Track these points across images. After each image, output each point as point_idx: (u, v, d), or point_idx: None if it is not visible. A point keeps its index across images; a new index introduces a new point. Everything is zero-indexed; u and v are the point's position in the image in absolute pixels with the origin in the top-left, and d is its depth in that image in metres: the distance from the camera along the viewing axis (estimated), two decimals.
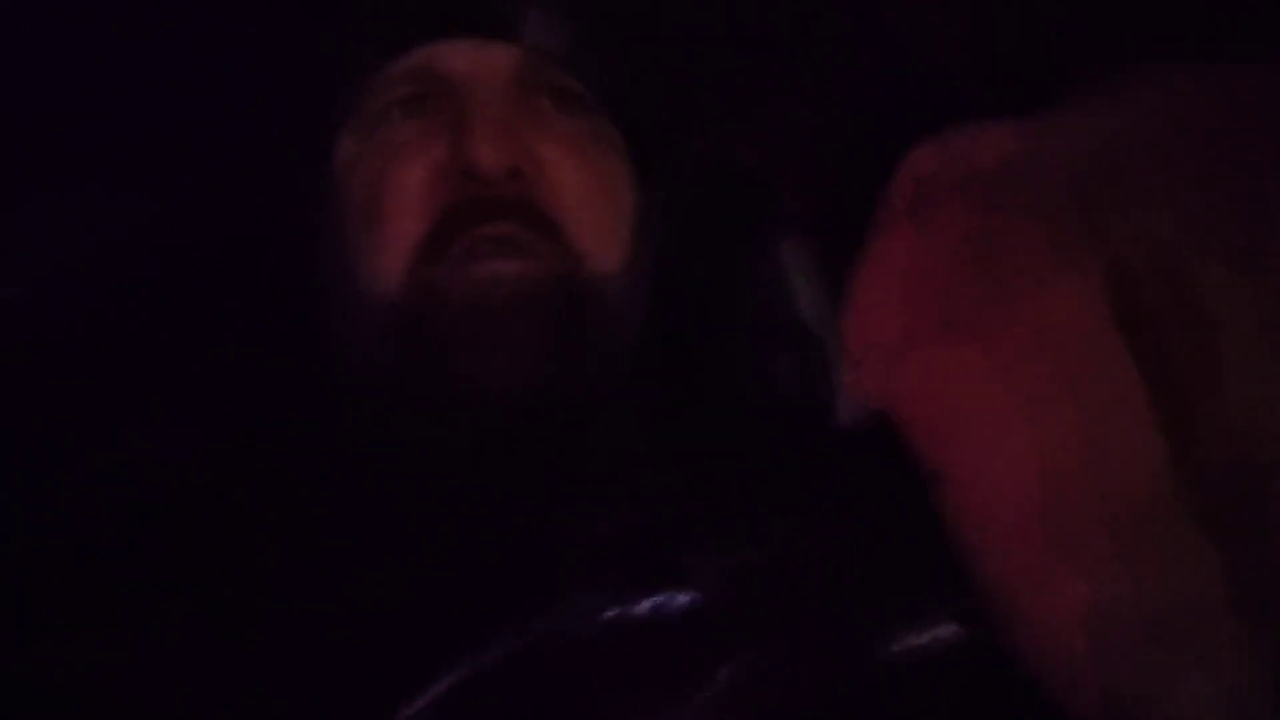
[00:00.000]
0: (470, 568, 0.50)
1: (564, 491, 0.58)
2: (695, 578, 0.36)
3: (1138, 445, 0.33)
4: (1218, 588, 0.32)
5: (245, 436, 0.62)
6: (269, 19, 0.71)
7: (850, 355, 0.38)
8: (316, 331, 0.65)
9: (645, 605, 0.36)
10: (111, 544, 0.55)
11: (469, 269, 0.60)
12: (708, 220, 0.74)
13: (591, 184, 0.64)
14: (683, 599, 0.36)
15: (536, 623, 0.37)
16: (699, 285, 0.74)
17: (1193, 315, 0.33)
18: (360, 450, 0.61)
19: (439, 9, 0.64)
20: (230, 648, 0.52)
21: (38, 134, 0.73)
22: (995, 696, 0.34)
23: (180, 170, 0.74)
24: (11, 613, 0.53)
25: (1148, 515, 0.32)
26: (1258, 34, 0.39)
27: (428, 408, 0.60)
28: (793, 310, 0.76)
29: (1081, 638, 0.32)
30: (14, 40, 0.74)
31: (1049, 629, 0.33)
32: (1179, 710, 0.32)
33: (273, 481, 0.59)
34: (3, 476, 0.61)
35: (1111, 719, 0.32)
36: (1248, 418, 0.33)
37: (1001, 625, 0.33)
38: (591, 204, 0.63)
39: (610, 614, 0.36)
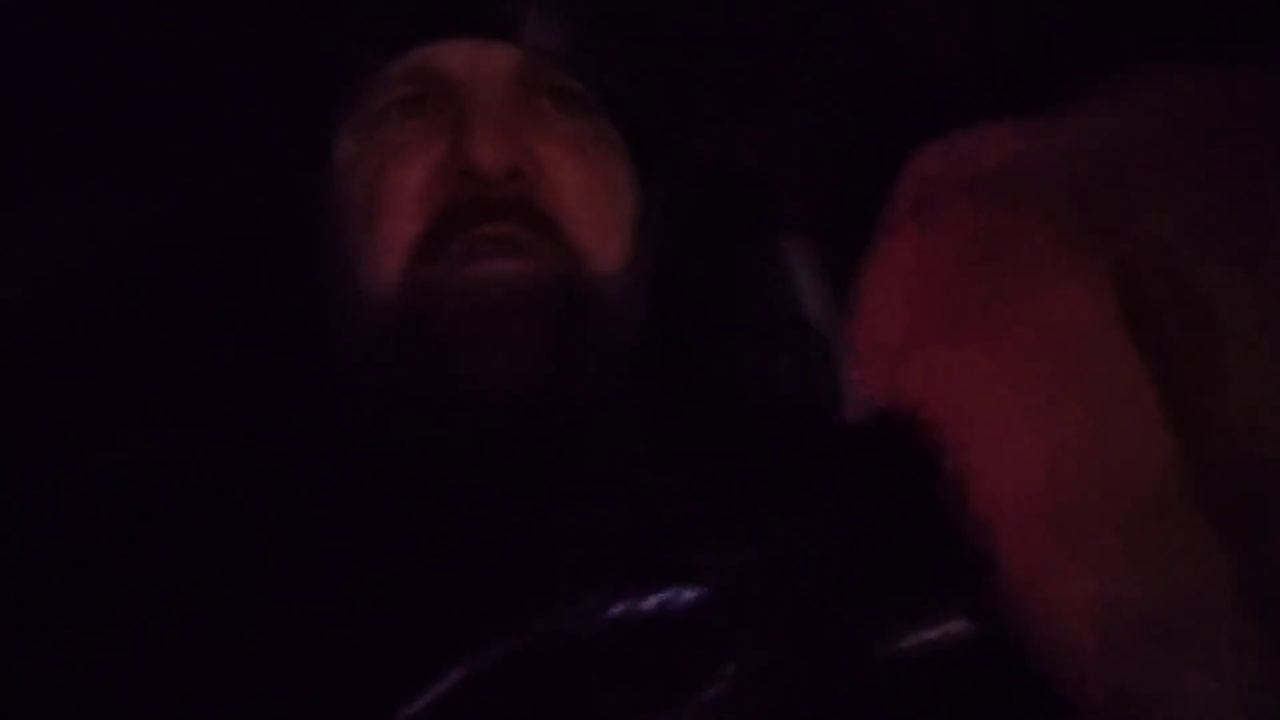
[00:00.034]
0: (471, 567, 0.50)
1: (564, 491, 0.58)
2: (696, 577, 0.36)
3: (1145, 443, 0.33)
4: (1225, 586, 0.32)
5: (245, 436, 0.62)
6: (269, 19, 0.70)
7: (855, 355, 0.39)
8: (316, 331, 0.65)
9: (646, 605, 0.36)
10: (112, 544, 0.55)
11: (468, 268, 0.60)
12: (708, 220, 0.74)
13: (591, 184, 0.63)
14: (684, 598, 0.36)
15: (538, 622, 0.37)
16: (699, 285, 0.74)
17: (1194, 315, 0.34)
18: (360, 450, 0.61)
19: (438, 9, 0.64)
20: (230, 648, 0.52)
21: (38, 134, 0.73)
22: (1002, 693, 0.34)
23: (180, 170, 0.74)
24: (11, 613, 0.53)
25: (1154, 513, 0.33)
26: (1258, 35, 0.39)
27: (428, 408, 0.60)
28: (793, 310, 0.76)
29: (1089, 635, 0.32)
30: (14, 40, 0.74)
31: (1057, 626, 0.33)
32: (1185, 708, 0.32)
33: (273, 482, 0.59)
34: (3, 476, 0.61)
35: (1119, 716, 0.32)
36: (1249, 417, 0.33)
37: (1012, 621, 0.33)
38: (591, 204, 0.63)
39: (611, 614, 0.36)
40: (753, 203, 0.75)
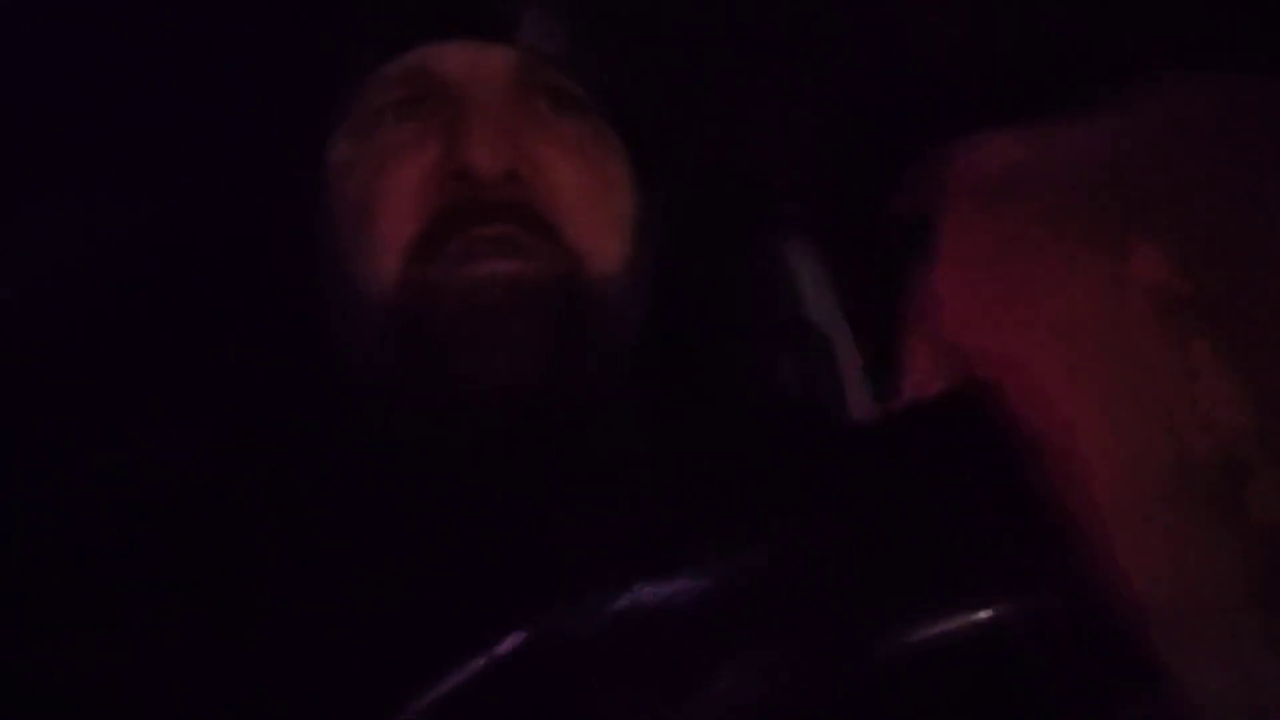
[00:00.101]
0: (471, 567, 0.50)
1: (564, 491, 0.58)
2: (696, 577, 0.36)
3: (1155, 437, 0.33)
4: (1237, 577, 0.32)
5: (245, 436, 0.62)
6: (267, 19, 0.71)
7: (906, 353, 0.39)
8: (316, 331, 0.65)
9: (647, 604, 0.36)
10: (112, 544, 0.55)
11: (466, 268, 0.59)
12: (708, 220, 0.75)
13: (589, 185, 0.63)
14: (684, 598, 0.36)
15: (538, 622, 0.37)
16: (699, 285, 0.74)
17: (1195, 315, 0.34)
18: (360, 450, 0.61)
19: (435, 10, 0.64)
20: (231, 648, 0.52)
21: (38, 134, 0.73)
22: (1004, 692, 0.34)
23: (179, 171, 0.74)
24: (11, 613, 0.53)
25: (1166, 504, 0.33)
26: (1258, 38, 0.39)
27: (427, 408, 0.60)
28: (793, 310, 0.76)
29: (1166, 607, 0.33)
30: (14, 40, 0.74)
31: (1147, 595, 0.33)
32: (1197, 700, 0.32)
33: (273, 481, 0.59)
34: (3, 476, 0.61)
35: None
36: (1237, 419, 0.33)
37: (1097, 591, 0.33)
38: (589, 205, 0.63)
39: (611, 613, 0.36)
40: (753, 203, 0.75)
